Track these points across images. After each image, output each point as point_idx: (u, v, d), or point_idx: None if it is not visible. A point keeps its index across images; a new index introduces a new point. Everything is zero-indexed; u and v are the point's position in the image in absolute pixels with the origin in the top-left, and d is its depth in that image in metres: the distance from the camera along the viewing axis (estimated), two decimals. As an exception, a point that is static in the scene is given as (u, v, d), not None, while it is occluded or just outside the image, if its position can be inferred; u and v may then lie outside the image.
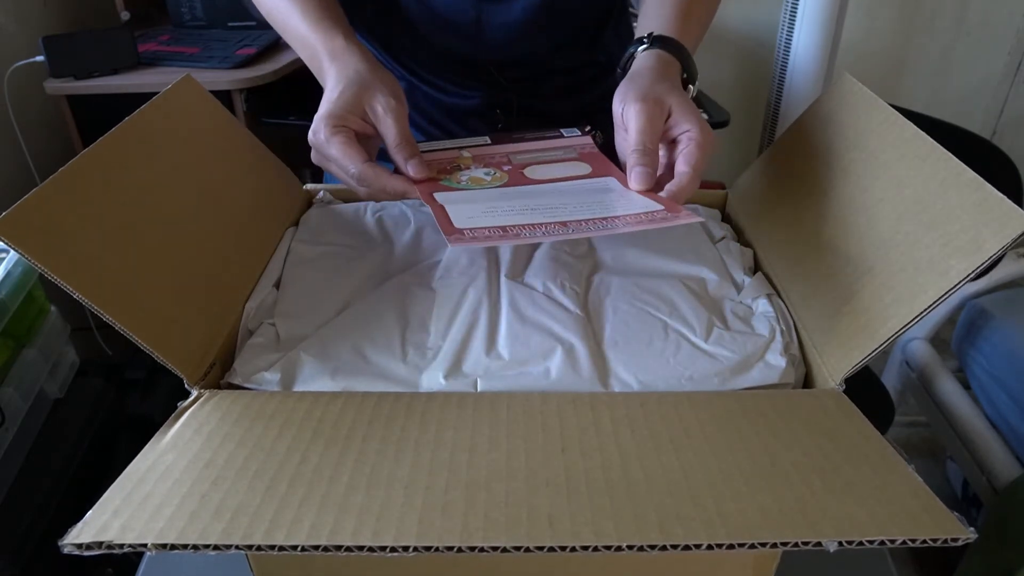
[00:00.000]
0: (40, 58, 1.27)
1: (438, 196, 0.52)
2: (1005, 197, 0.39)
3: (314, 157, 0.55)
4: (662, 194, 0.50)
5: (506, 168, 0.57)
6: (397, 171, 0.54)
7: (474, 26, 0.68)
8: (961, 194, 0.42)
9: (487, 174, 0.56)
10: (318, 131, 0.52)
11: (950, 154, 0.44)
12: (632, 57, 0.58)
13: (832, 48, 1.56)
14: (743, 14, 1.82)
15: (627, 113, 0.52)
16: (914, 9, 1.79)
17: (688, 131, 0.51)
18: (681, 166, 0.51)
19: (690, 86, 0.59)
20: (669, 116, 0.52)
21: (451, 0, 0.67)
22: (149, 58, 1.37)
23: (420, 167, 0.54)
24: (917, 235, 0.43)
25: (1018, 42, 1.81)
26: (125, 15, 1.47)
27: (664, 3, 0.61)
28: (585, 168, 0.58)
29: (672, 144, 0.53)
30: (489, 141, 0.62)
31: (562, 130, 0.65)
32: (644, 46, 0.58)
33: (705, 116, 0.57)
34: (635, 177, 0.51)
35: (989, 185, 0.40)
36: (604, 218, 0.48)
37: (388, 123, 0.53)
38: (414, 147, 0.54)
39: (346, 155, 0.52)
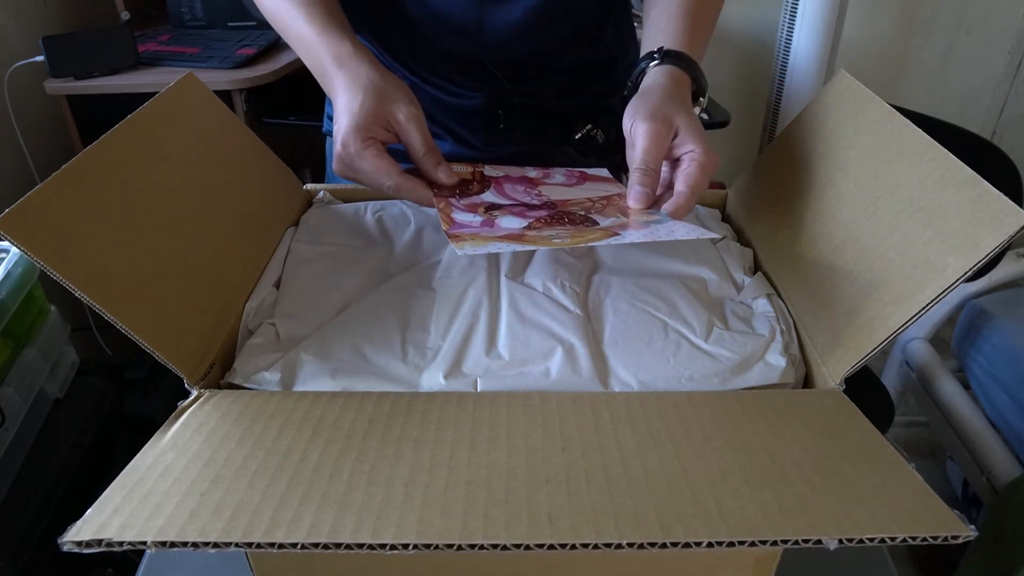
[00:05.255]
0: (40, 58, 1.27)
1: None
2: (1002, 194, 0.39)
3: (338, 168, 0.55)
4: (660, 212, 0.51)
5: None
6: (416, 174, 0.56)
7: (475, 26, 0.68)
8: (958, 191, 0.42)
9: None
10: (348, 144, 0.53)
11: (947, 151, 0.44)
12: (643, 72, 0.59)
13: (832, 48, 1.56)
14: (743, 14, 1.82)
15: (635, 131, 0.53)
16: (914, 9, 1.79)
17: (692, 151, 0.52)
18: (679, 186, 0.52)
19: (700, 99, 0.59)
20: (676, 135, 0.53)
21: (453, 1, 0.67)
22: (149, 58, 1.37)
23: (448, 173, 0.56)
24: (915, 233, 0.43)
25: (1018, 42, 1.81)
26: (125, 15, 1.47)
27: (671, 14, 0.61)
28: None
29: (675, 163, 0.54)
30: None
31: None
32: (655, 62, 0.58)
33: (705, 116, 0.57)
34: (633, 195, 0.52)
35: (986, 182, 0.40)
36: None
37: (412, 132, 0.55)
38: (439, 154, 0.56)
39: (379, 168, 0.54)
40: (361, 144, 0.53)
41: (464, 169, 0.60)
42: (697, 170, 0.51)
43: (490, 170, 0.61)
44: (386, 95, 0.54)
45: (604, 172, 0.63)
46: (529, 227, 0.50)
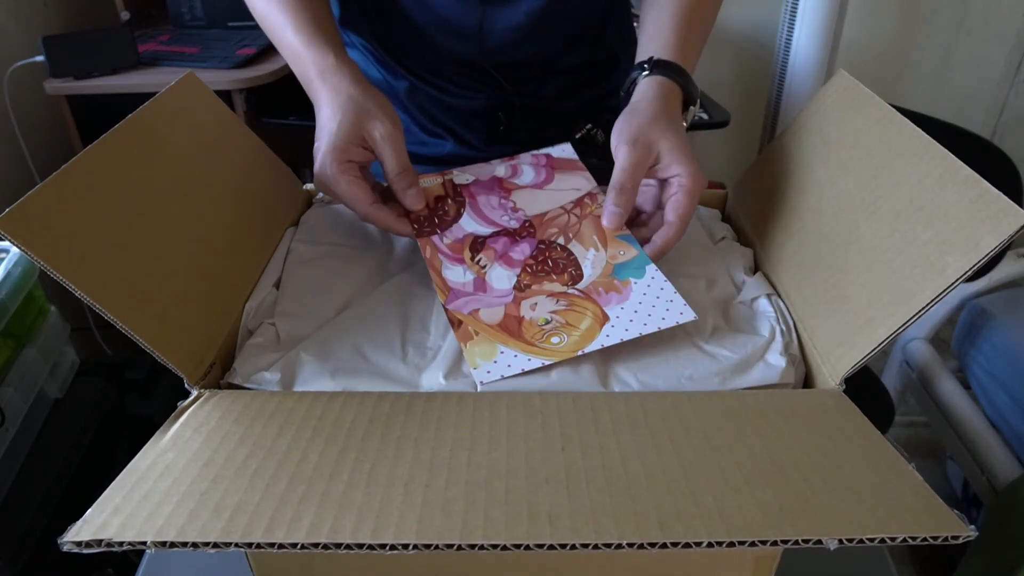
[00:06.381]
0: (40, 58, 1.27)
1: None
2: (1002, 194, 0.39)
3: (317, 187, 0.56)
4: (648, 247, 0.52)
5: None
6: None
7: (476, 29, 0.68)
8: (958, 191, 0.42)
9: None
10: (325, 167, 0.53)
11: (946, 151, 0.44)
12: (634, 83, 0.59)
13: (832, 48, 1.56)
14: (743, 14, 1.82)
15: (617, 152, 0.53)
16: (914, 9, 1.79)
17: (678, 176, 0.53)
18: (669, 215, 0.53)
19: (691, 107, 0.59)
20: (658, 160, 0.53)
21: (454, 4, 0.67)
22: (149, 58, 1.37)
23: (417, 199, 0.55)
24: (915, 232, 0.43)
25: (1018, 42, 1.81)
26: (125, 15, 1.47)
27: (664, 21, 0.61)
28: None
29: (663, 183, 0.55)
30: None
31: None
32: (645, 72, 0.58)
33: (705, 116, 0.57)
34: (607, 216, 0.53)
35: (985, 182, 0.40)
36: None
37: (387, 152, 0.54)
38: (412, 177, 0.55)
39: (353, 196, 0.53)
40: (338, 168, 0.53)
41: (434, 182, 0.60)
42: (684, 197, 0.52)
43: (459, 176, 0.61)
44: (364, 112, 0.54)
45: (568, 150, 0.63)
46: (518, 285, 0.51)
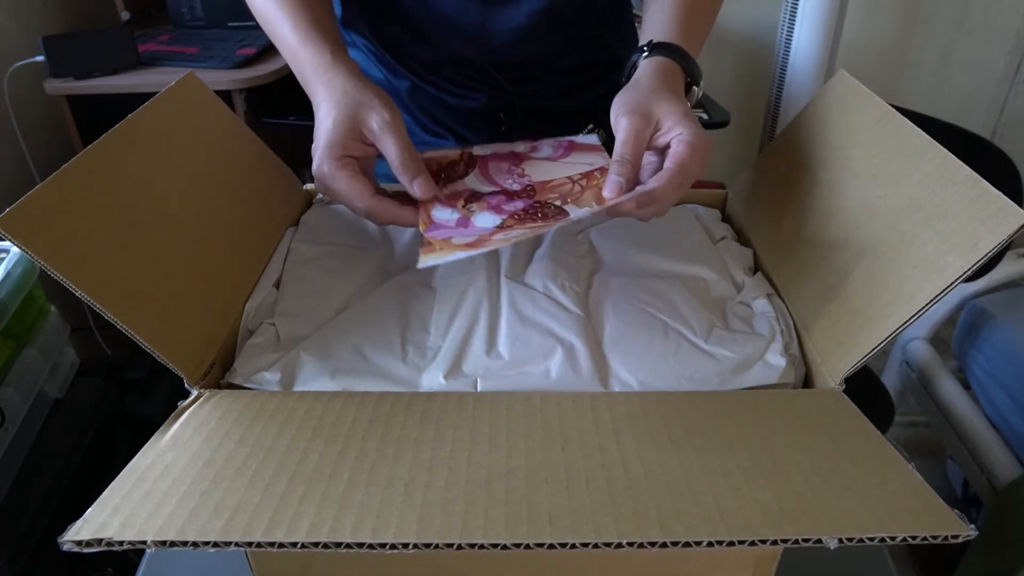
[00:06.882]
0: (40, 58, 1.27)
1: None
2: (1001, 194, 0.39)
3: (316, 187, 0.54)
4: (639, 187, 0.50)
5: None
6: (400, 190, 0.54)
7: (478, 30, 0.68)
8: (958, 191, 0.42)
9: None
10: (322, 164, 0.51)
11: (946, 151, 0.44)
12: (635, 65, 0.58)
13: (832, 48, 1.56)
14: (743, 14, 1.82)
15: (616, 125, 0.52)
16: (914, 9, 1.79)
17: (680, 134, 0.51)
18: (667, 163, 0.50)
19: (694, 88, 0.59)
20: (659, 127, 0.52)
21: (455, 4, 0.67)
22: (149, 58, 1.37)
23: (426, 186, 0.52)
24: (914, 232, 0.43)
25: (1018, 42, 1.81)
26: (125, 15, 1.47)
27: (665, 11, 0.61)
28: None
29: (665, 149, 0.53)
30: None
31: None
32: (645, 54, 0.58)
33: (705, 116, 0.57)
34: (608, 185, 0.51)
35: (985, 182, 0.40)
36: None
37: (387, 141, 0.51)
38: (419, 164, 0.52)
39: (353, 190, 0.51)
40: (336, 164, 0.51)
41: (451, 153, 0.59)
42: (685, 148, 0.50)
43: (479, 149, 0.60)
44: (360, 105, 0.52)
45: (594, 139, 0.62)
46: (501, 226, 0.49)
